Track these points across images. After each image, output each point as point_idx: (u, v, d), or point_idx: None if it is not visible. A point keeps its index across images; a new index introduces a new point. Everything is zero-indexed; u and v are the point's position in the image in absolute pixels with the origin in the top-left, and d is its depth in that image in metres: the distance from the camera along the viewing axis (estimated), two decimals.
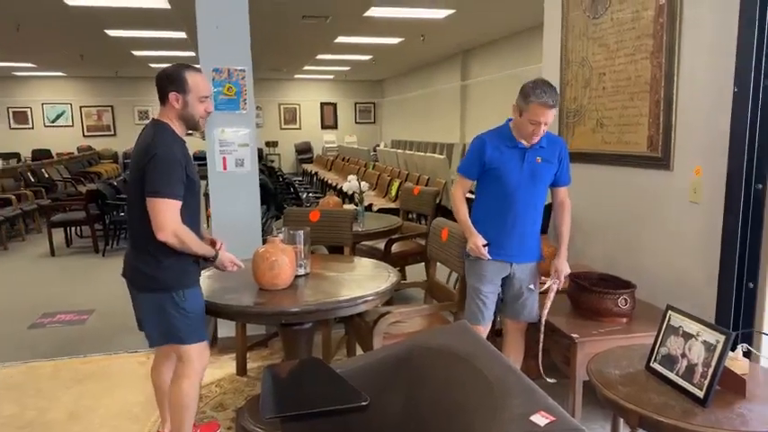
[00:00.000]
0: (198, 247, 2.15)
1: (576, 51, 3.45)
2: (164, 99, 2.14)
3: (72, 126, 15.58)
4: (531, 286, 2.56)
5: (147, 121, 2.29)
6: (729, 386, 1.73)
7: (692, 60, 2.63)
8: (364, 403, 1.56)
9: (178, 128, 2.17)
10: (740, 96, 2.30)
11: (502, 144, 2.47)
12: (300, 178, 12.68)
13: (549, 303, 2.53)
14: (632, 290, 2.56)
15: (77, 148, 15.32)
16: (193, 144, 3.65)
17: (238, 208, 3.63)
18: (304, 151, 16.75)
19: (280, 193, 6.70)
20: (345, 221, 3.53)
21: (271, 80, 15.91)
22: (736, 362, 1.80)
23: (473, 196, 2.70)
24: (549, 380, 2.51)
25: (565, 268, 2.54)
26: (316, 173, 12.02)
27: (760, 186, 2.32)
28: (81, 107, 15.56)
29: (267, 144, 16.64)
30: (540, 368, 2.55)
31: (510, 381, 1.50)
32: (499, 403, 1.42)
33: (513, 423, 1.34)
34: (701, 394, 1.70)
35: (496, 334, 3.02)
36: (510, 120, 2.51)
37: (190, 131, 2.24)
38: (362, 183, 4.35)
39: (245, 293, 2.41)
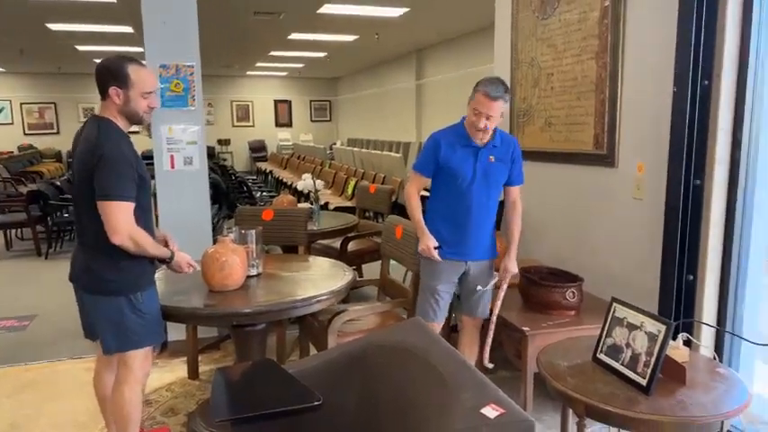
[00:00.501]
0: (154, 248, 2.07)
1: (525, 51, 3.52)
2: (104, 94, 2.05)
3: (12, 124, 14.85)
4: (486, 284, 2.58)
5: None
6: (671, 374, 1.80)
7: (635, 60, 2.73)
8: (317, 403, 1.55)
9: (121, 123, 2.08)
10: (679, 96, 2.39)
11: (456, 142, 2.49)
12: (254, 177, 12.49)
13: (501, 297, 2.57)
14: (579, 283, 2.64)
15: (18, 147, 14.61)
16: (140, 143, 3.54)
17: (187, 207, 3.54)
18: (258, 149, 16.50)
19: (232, 192, 6.58)
20: (300, 220, 3.50)
21: (222, 77, 15.60)
22: (677, 350, 1.88)
23: (429, 194, 2.72)
24: (488, 365, 2.55)
25: (513, 268, 2.59)
26: (270, 171, 11.86)
27: (698, 182, 2.42)
28: (21, 104, 14.86)
29: (219, 142, 16.31)
30: (486, 356, 2.58)
31: (463, 375, 1.52)
32: (452, 398, 1.43)
33: (465, 417, 1.35)
34: (644, 382, 1.76)
35: (452, 330, 3.05)
36: (464, 118, 2.54)
37: (134, 129, 2.15)
38: (318, 181, 4.33)
39: (195, 295, 2.35)
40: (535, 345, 2.44)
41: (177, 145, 3.51)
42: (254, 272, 2.56)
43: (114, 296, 2.07)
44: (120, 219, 1.95)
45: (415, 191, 2.61)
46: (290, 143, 15.79)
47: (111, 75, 2.03)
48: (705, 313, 2.48)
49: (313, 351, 2.89)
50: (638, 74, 2.72)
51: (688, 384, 1.80)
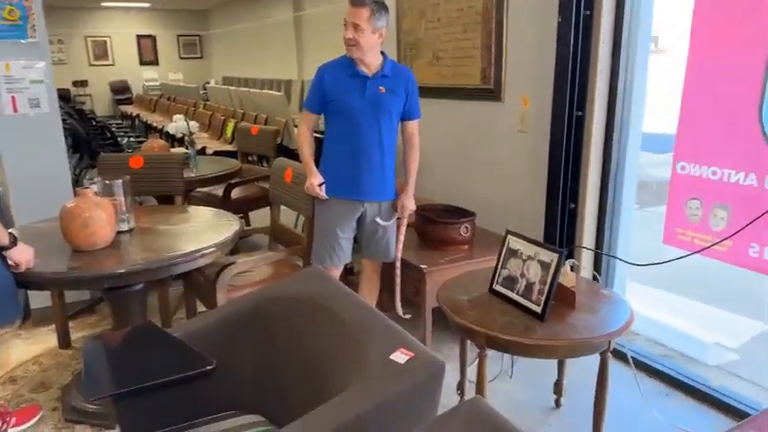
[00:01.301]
0: None
1: None
2: None
3: None
4: (386, 225, 2.51)
5: None
6: (562, 299, 1.88)
7: None
8: (210, 368, 1.40)
9: None
10: (563, 27, 2.41)
11: (342, 73, 2.33)
12: (119, 122, 11.36)
13: (401, 240, 2.53)
14: (472, 218, 2.67)
15: None
16: None
17: (40, 158, 3.06)
18: (121, 91, 14.94)
19: (94, 139, 5.89)
20: (174, 167, 3.18)
21: (71, 8, 13.70)
22: (566, 276, 1.95)
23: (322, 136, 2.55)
24: (405, 316, 2.55)
25: (411, 205, 2.53)
26: (137, 115, 10.83)
27: (580, 114, 2.50)
28: None
29: (75, 84, 14.52)
30: (399, 306, 2.57)
31: (368, 322, 1.44)
32: (359, 347, 1.36)
33: (375, 364, 1.29)
34: (538, 310, 1.81)
35: (348, 273, 2.99)
36: None
37: None
38: (192, 123, 3.95)
39: (57, 258, 2.04)
40: (433, 281, 2.45)
41: (18, 84, 2.99)
42: (125, 227, 2.28)
43: None
44: None
45: (305, 129, 2.45)
46: (158, 83, 14.47)
47: None
48: (585, 239, 2.63)
49: (201, 308, 2.69)
50: (523, 4, 2.70)
51: (577, 308, 1.88)
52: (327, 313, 1.52)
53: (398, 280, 2.55)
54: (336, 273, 2.47)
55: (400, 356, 1.28)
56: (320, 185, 2.39)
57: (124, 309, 2.34)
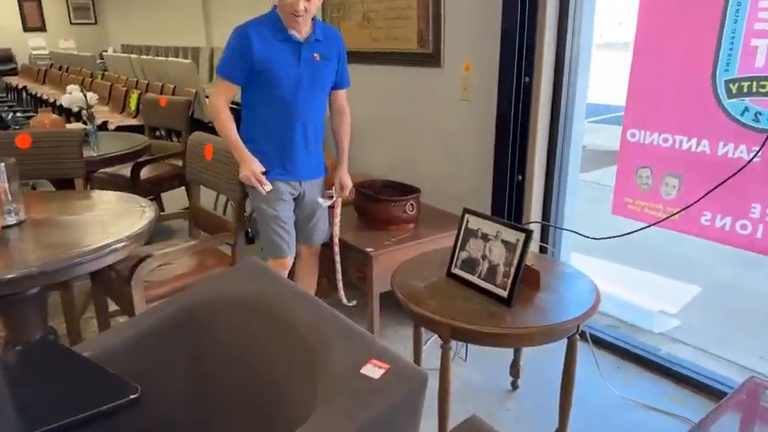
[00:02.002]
0: None
1: None
2: None
3: None
4: (322, 204, 2.27)
5: None
6: (526, 281, 1.73)
7: None
8: (134, 396, 1.13)
9: None
10: None
11: (272, 37, 2.02)
12: (2, 95, 10.13)
13: (337, 219, 2.30)
14: (417, 195, 2.49)
15: None
16: None
17: None
18: (3, 60, 13.34)
19: None
20: (72, 145, 2.73)
21: None
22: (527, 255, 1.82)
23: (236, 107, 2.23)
24: (349, 303, 2.34)
25: (348, 181, 2.31)
26: (24, 87, 9.68)
27: (528, 79, 2.35)
28: None
29: None
30: (342, 293, 2.36)
31: (327, 327, 1.22)
32: (320, 359, 1.14)
33: (342, 380, 1.07)
34: (504, 294, 1.66)
35: None
36: (276, 6, 2.06)
37: None
38: (90, 94, 3.45)
39: None
40: (380, 265, 2.26)
41: None
42: (11, 220, 1.89)
43: None
44: None
45: (223, 102, 2.10)
46: (46, 52, 13.04)
47: None
48: (533, 211, 2.53)
49: (114, 306, 2.34)
50: None
51: (542, 288, 1.76)
52: (276, 318, 1.28)
53: (339, 265, 2.33)
54: (290, 262, 2.20)
55: (373, 370, 1.08)
56: (264, 173, 2.09)
57: (18, 318, 1.97)
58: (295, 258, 2.29)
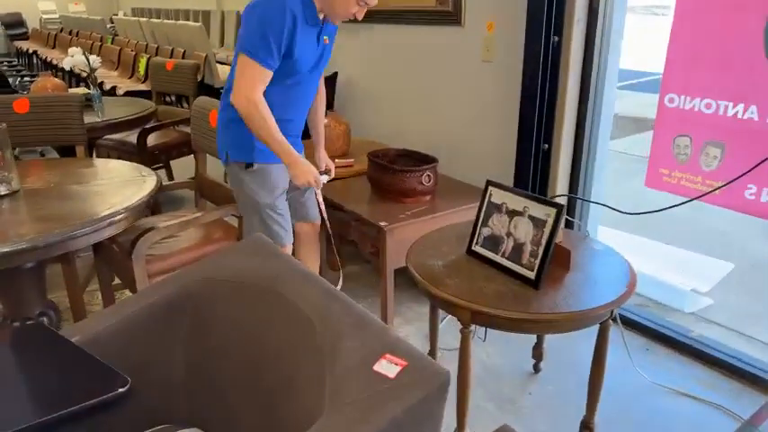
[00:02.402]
0: None
1: None
2: None
3: None
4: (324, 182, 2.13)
5: None
6: (555, 260, 1.59)
7: None
8: (122, 390, 1.02)
9: None
10: None
11: (304, 20, 1.74)
12: (13, 59, 10.00)
13: (320, 195, 2.10)
14: (434, 164, 2.33)
15: None
16: None
17: None
18: (14, 25, 13.16)
19: None
20: (73, 110, 2.60)
21: None
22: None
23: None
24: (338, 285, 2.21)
25: (328, 159, 2.19)
26: (35, 52, 9.55)
27: (557, 39, 2.16)
28: None
29: None
30: (339, 263, 2.21)
31: (335, 312, 1.09)
32: (329, 351, 1.02)
33: (352, 378, 0.95)
34: (532, 276, 1.52)
35: None
36: None
37: None
38: (92, 56, 3.30)
39: None
40: (394, 239, 2.13)
41: None
42: (3, 190, 1.78)
43: None
44: None
45: (261, 96, 1.72)
46: (57, 16, 12.86)
47: None
48: (559, 183, 2.37)
49: (118, 281, 2.25)
50: None
51: (572, 268, 1.61)
52: (282, 302, 1.16)
53: (333, 240, 2.17)
54: (288, 250, 2.06)
55: (388, 366, 0.95)
56: (324, 173, 1.97)
57: (14, 292, 1.88)
58: (295, 240, 2.13)
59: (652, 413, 1.88)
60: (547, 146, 2.32)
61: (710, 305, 2.50)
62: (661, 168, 2.14)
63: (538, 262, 1.51)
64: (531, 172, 2.32)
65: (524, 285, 1.53)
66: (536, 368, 2.08)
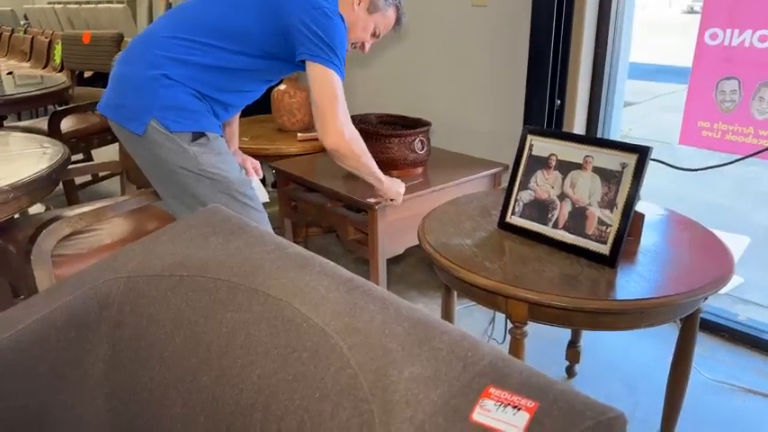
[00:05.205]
0: None
1: None
2: None
3: None
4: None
5: None
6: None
7: None
8: None
9: None
10: None
11: None
12: None
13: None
14: (427, 128, 1.88)
15: None
16: None
17: None
18: None
19: None
20: None
21: None
22: None
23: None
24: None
25: (252, 159, 1.80)
26: None
27: None
28: None
29: None
30: None
31: (370, 319, 0.62)
32: (367, 387, 0.55)
33: None
34: (605, 250, 1.10)
35: None
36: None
37: None
38: None
39: None
40: (386, 220, 1.67)
41: None
42: None
43: None
44: None
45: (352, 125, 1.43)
46: None
47: None
48: None
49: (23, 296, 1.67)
50: None
51: (644, 239, 1.21)
52: (269, 307, 0.68)
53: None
54: None
55: (504, 411, 0.49)
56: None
57: None
58: None
59: (724, 419, 1.51)
60: (560, 102, 1.93)
61: (742, 284, 2.18)
62: (700, 121, 1.79)
63: (614, 231, 1.09)
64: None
65: (593, 264, 1.11)
66: (569, 372, 1.68)
